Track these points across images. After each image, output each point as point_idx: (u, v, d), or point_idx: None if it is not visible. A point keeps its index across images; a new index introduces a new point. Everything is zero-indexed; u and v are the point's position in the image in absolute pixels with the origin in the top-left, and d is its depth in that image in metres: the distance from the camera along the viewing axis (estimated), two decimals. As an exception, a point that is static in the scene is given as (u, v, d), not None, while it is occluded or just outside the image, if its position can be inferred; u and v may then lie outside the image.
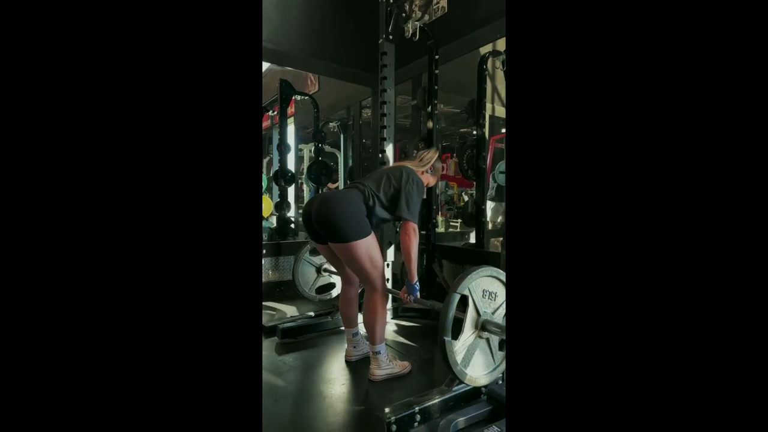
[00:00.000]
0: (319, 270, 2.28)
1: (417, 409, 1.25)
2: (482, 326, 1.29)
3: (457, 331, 1.25)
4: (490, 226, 4.10)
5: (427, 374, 1.66)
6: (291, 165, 3.76)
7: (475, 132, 2.59)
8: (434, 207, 2.53)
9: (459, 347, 1.26)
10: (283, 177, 3.17)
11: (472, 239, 2.76)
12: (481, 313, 1.30)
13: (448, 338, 1.21)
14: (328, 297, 2.28)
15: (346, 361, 1.76)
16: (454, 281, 1.28)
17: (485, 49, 2.60)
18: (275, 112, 3.73)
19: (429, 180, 1.71)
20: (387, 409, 1.23)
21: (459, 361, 1.25)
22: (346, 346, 1.79)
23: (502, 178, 3.65)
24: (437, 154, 1.73)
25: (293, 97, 3.85)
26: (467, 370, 1.28)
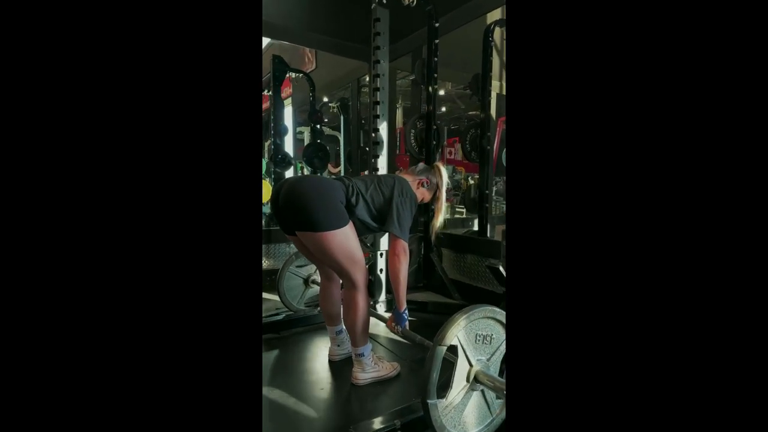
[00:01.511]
0: (306, 282, 2.07)
1: (398, 423, 1.08)
2: (475, 378, 1.05)
3: (445, 375, 1.01)
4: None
5: (419, 377, 1.49)
6: (290, 149, 3.57)
7: (483, 115, 2.36)
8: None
9: (446, 407, 1.02)
10: (274, 160, 2.99)
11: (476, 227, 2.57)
12: (473, 363, 1.05)
13: (432, 401, 0.98)
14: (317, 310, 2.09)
15: (330, 361, 1.60)
16: (439, 329, 1.01)
17: (493, 17, 2.36)
18: (270, 92, 3.53)
19: (424, 195, 1.53)
20: (369, 423, 1.07)
21: (446, 424, 1.01)
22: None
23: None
24: (443, 171, 1.54)
25: (289, 76, 3.64)
26: None
